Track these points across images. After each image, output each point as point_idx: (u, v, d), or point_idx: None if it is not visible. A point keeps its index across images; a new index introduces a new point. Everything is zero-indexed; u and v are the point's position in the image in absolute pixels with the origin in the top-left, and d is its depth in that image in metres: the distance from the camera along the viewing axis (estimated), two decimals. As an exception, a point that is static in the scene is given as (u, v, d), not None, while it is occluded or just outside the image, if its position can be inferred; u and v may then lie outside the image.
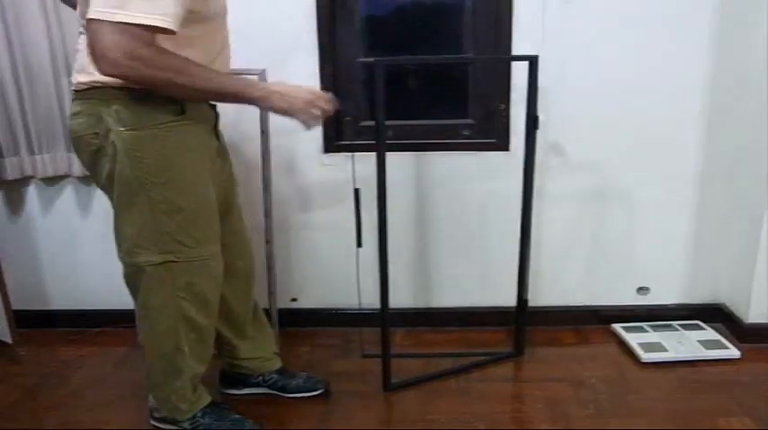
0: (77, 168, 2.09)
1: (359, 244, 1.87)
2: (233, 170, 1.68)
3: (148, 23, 1.20)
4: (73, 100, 1.40)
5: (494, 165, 2.10)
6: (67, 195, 2.21)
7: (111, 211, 1.46)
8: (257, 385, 1.83)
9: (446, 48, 2.15)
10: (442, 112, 2.18)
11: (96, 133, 1.36)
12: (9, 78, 2.00)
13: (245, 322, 1.77)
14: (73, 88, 1.40)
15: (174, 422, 1.62)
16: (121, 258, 1.48)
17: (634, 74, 2.00)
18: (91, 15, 1.20)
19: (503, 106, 2.07)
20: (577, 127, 2.05)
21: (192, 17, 1.31)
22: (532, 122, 1.83)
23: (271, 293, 2.06)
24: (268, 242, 1.99)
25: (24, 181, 2.17)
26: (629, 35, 1.97)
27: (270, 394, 1.83)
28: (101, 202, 2.15)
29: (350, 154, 2.03)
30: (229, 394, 1.84)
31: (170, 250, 1.44)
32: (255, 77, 1.79)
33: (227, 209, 1.63)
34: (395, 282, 1.85)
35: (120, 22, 1.18)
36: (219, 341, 1.74)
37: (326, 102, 1.48)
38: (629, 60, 1.99)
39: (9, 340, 2.16)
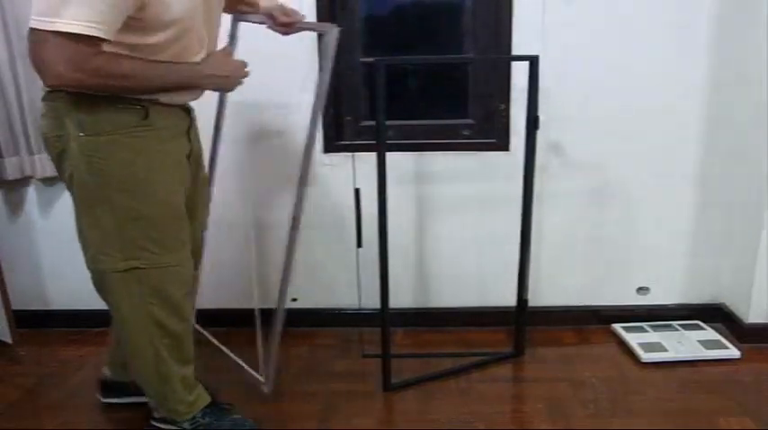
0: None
1: (359, 244, 1.87)
2: (205, 173, 1.67)
3: (88, 33, 1.14)
4: (42, 100, 1.37)
5: (494, 166, 2.10)
6: (67, 195, 2.12)
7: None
8: (140, 394, 1.68)
9: (446, 48, 2.15)
10: (441, 112, 2.18)
11: (60, 136, 1.34)
12: (8, 78, 2.00)
13: None
14: (42, 89, 1.35)
15: (173, 422, 1.61)
16: (87, 265, 1.46)
17: (634, 74, 2.00)
18: (30, 24, 1.15)
19: (503, 106, 2.07)
20: (577, 127, 2.05)
21: (140, 24, 1.24)
22: (533, 122, 1.83)
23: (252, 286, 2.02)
24: (256, 242, 1.92)
25: (24, 181, 2.16)
26: (629, 35, 1.97)
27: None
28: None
29: (350, 154, 2.03)
30: (111, 403, 1.79)
31: (135, 256, 1.41)
32: (325, 31, 1.58)
33: (191, 213, 1.58)
34: (395, 282, 1.85)
35: (62, 32, 1.13)
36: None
37: (245, 69, 1.48)
38: (629, 60, 1.99)
39: (9, 340, 2.16)
